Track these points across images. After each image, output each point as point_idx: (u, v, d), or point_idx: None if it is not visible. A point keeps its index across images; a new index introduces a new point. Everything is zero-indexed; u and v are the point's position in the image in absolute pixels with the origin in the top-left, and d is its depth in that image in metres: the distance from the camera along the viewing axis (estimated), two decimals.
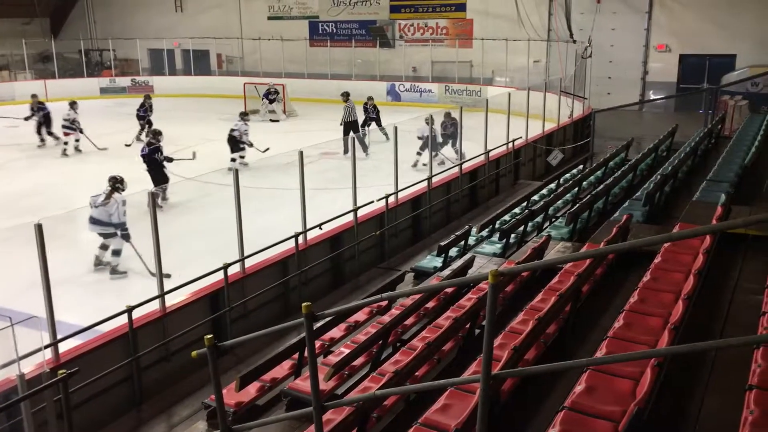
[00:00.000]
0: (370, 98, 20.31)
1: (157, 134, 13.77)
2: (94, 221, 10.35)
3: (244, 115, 17.08)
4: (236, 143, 16.53)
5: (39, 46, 33.09)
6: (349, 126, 18.75)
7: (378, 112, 19.79)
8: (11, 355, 5.52)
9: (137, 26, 34.78)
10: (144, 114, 20.69)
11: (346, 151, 16.44)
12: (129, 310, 7.04)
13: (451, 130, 16.43)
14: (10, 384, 5.76)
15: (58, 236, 8.32)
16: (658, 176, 10.26)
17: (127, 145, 19.76)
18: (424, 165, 15.88)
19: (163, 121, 24.98)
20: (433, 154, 16.21)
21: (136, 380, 7.17)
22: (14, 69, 32.08)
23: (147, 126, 20.63)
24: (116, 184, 10.54)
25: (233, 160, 16.27)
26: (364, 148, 17.23)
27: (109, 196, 10.28)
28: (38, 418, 5.78)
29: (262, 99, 25.53)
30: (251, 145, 16.60)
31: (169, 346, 7.61)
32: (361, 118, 19.80)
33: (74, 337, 6.89)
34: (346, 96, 19.23)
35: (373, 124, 19.62)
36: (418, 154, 16.15)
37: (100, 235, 10.40)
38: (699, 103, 22.23)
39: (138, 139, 20.27)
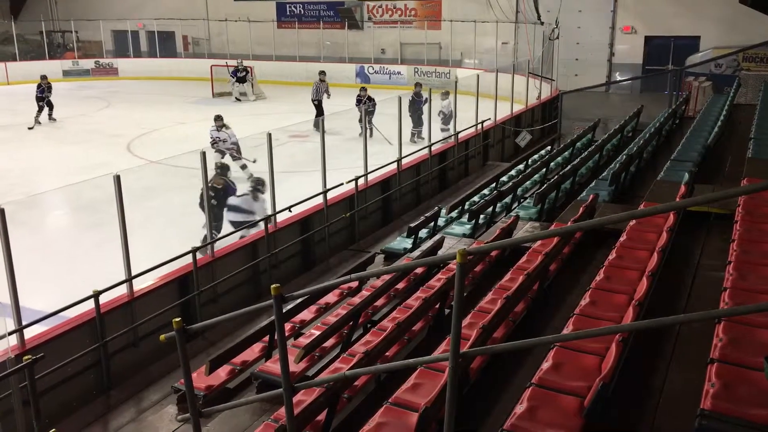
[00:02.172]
0: (363, 88, 18.66)
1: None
2: (233, 209, 10.03)
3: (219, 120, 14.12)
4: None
5: None
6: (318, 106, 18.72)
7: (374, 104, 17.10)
8: None
9: (100, 7, 34.01)
10: (41, 95, 20.51)
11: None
12: (96, 295, 6.94)
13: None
14: None
15: (20, 222, 8.12)
16: (624, 156, 10.41)
17: (30, 128, 19.73)
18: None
19: (129, 105, 24.68)
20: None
21: (105, 366, 7.09)
22: None
23: (47, 107, 20.59)
24: (257, 185, 10.16)
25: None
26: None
27: (255, 197, 10.03)
28: (4, 405, 5.70)
29: (231, 77, 25.25)
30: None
31: (137, 330, 7.54)
32: (335, 101, 19.66)
33: (40, 323, 6.78)
34: (320, 74, 19.31)
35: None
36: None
37: (232, 222, 9.90)
38: (664, 84, 22.56)
39: (37, 121, 20.20)
